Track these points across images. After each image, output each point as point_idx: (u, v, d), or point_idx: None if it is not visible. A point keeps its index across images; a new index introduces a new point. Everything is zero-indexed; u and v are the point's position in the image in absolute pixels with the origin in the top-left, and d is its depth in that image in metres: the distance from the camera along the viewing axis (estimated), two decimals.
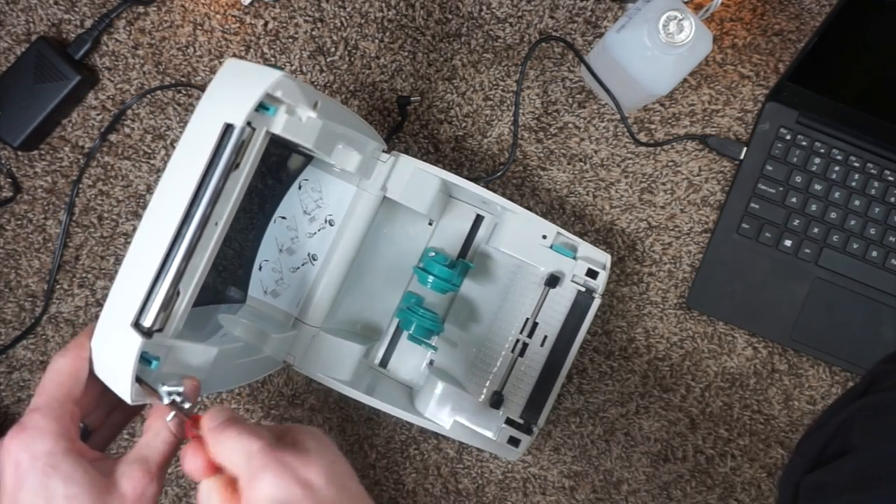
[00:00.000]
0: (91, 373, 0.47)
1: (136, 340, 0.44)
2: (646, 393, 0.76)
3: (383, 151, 0.65)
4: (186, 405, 0.45)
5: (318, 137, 0.52)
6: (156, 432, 0.45)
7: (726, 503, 0.76)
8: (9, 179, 0.75)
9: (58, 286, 0.75)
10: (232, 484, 0.41)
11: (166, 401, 0.44)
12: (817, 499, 0.46)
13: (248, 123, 0.46)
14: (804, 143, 0.75)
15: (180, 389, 0.45)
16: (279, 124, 0.49)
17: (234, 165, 0.46)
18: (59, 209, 0.75)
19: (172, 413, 0.45)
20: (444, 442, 0.75)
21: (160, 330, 0.46)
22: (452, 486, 0.75)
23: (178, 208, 0.44)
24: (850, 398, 0.49)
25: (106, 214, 0.75)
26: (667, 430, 0.76)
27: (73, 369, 0.46)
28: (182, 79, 0.75)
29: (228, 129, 0.44)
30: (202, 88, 0.75)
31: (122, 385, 0.45)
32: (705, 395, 0.76)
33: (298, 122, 0.50)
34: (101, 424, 0.51)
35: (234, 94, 0.45)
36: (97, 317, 0.47)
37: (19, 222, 0.75)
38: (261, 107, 0.47)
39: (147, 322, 0.45)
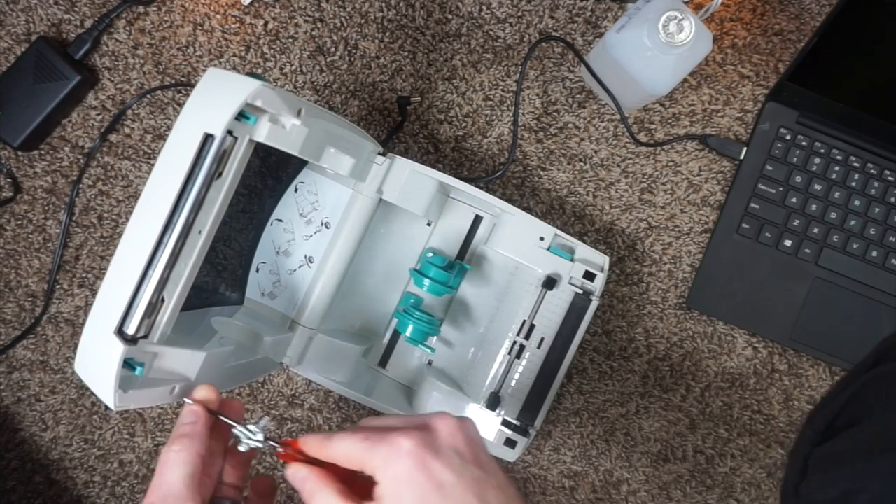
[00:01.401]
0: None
1: (119, 348, 0.44)
2: (646, 393, 0.76)
3: (379, 154, 0.65)
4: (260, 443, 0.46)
5: (304, 144, 0.52)
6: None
7: (726, 503, 0.76)
8: (9, 179, 0.75)
9: (58, 286, 0.75)
10: (347, 480, 0.43)
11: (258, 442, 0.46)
12: (829, 469, 0.46)
13: (230, 132, 0.46)
14: (804, 143, 0.75)
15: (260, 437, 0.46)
16: (262, 133, 0.49)
17: (216, 174, 0.46)
18: (59, 209, 0.75)
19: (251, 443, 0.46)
20: None
21: (145, 336, 0.46)
22: None
23: (160, 217, 0.45)
24: (860, 371, 0.49)
25: (106, 214, 0.75)
26: (667, 430, 0.76)
27: (184, 459, 0.44)
28: (182, 79, 0.75)
29: (208, 138, 0.45)
30: None
31: (105, 392, 0.45)
32: (705, 395, 0.75)
33: (282, 129, 0.50)
34: (237, 491, 0.50)
35: (213, 104, 0.45)
36: None
37: (19, 222, 0.75)
38: (242, 116, 0.47)
39: (130, 329, 0.45)
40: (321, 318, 0.67)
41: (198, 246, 0.48)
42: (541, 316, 0.67)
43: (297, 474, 0.44)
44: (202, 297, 0.64)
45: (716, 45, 0.75)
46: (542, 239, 0.67)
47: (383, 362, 0.73)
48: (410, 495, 0.40)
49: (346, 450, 0.43)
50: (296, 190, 0.68)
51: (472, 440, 0.44)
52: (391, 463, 0.41)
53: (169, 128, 0.75)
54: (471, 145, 0.76)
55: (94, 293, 0.75)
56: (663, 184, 0.76)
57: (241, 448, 0.46)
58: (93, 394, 0.71)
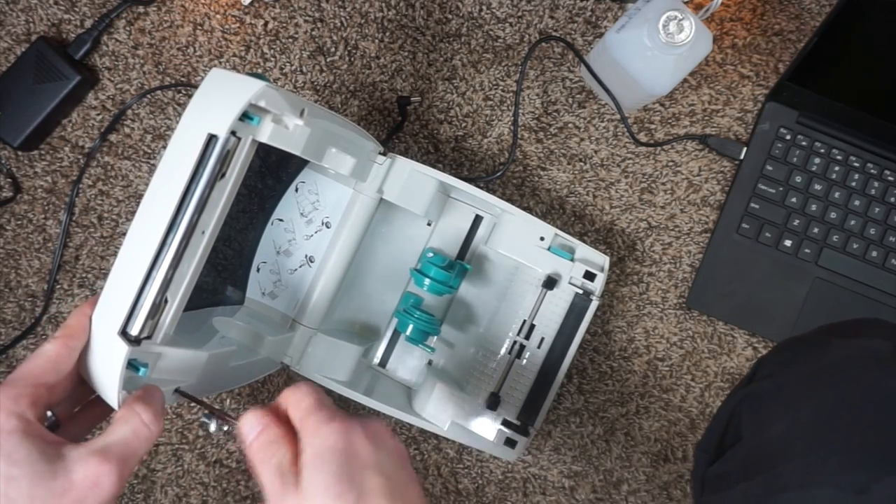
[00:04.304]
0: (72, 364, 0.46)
1: (123, 349, 0.44)
2: (646, 393, 0.76)
3: (380, 153, 0.65)
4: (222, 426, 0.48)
5: (307, 144, 0.52)
6: (125, 421, 0.44)
7: None
8: (9, 179, 0.75)
9: (58, 286, 0.75)
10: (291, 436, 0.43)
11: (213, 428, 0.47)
12: (717, 490, 0.47)
13: (233, 133, 0.46)
14: (804, 143, 0.75)
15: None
16: (265, 133, 0.49)
17: (219, 175, 0.46)
18: (59, 209, 0.75)
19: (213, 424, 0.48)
20: (444, 442, 0.75)
21: (149, 337, 0.47)
22: (452, 486, 0.76)
23: (163, 218, 0.45)
24: (738, 389, 0.50)
25: (106, 214, 0.75)
26: (667, 430, 0.76)
27: (55, 355, 0.45)
28: (182, 79, 0.75)
29: (212, 139, 0.45)
30: None
31: (109, 392, 0.45)
32: (705, 395, 0.76)
33: (285, 130, 0.50)
34: (66, 417, 0.49)
35: (217, 104, 0.45)
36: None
37: (19, 222, 0.75)
38: (245, 116, 0.47)
39: (134, 330, 0.45)
40: (322, 317, 0.67)
41: (201, 246, 0.48)
42: (541, 316, 0.67)
43: (250, 422, 0.43)
44: (203, 297, 0.64)
45: (716, 45, 0.75)
46: (542, 239, 0.67)
47: (383, 362, 0.73)
48: (332, 461, 0.40)
49: (291, 402, 0.43)
50: (296, 190, 0.68)
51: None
52: (319, 431, 0.41)
53: (169, 128, 0.75)
54: (471, 145, 0.76)
55: (94, 293, 0.75)
56: (663, 184, 0.76)
57: (211, 429, 0.47)
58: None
